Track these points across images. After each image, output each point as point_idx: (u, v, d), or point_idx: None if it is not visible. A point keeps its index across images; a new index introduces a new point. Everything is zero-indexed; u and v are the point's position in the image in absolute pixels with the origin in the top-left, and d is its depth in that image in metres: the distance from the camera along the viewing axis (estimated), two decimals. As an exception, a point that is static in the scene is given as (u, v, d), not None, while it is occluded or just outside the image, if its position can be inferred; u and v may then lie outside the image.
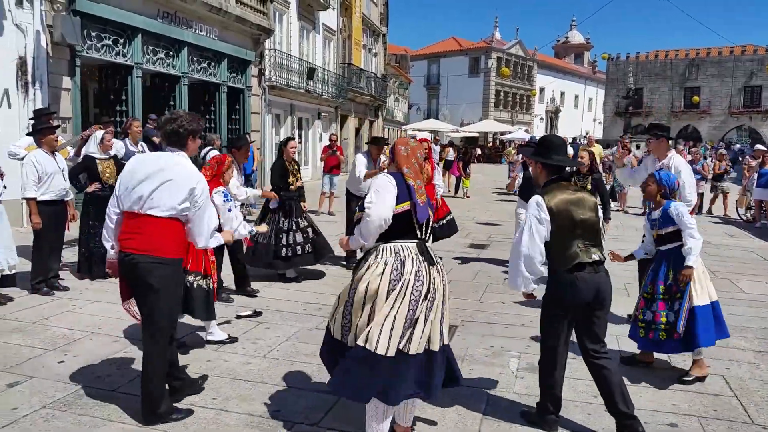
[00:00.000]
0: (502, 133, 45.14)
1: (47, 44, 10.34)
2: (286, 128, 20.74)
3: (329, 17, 23.54)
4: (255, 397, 3.94)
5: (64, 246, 6.84)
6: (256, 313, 5.76)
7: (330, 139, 14.92)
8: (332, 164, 13.89)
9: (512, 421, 3.68)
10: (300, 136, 22.14)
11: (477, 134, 46.87)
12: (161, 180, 3.40)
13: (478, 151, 39.46)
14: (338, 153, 14.29)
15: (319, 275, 7.51)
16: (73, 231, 7.42)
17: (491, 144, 47.52)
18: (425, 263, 3.12)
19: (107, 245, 3.64)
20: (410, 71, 46.95)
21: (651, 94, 51.76)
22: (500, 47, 53.68)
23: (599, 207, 3.62)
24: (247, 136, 6.78)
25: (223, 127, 16.07)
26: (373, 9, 29.52)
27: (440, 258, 3.33)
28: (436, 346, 3.13)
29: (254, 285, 6.55)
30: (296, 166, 7.25)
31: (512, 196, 8.28)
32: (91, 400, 3.81)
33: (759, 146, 15.99)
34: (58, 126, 7.31)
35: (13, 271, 5.85)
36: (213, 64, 15.58)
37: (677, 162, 5.46)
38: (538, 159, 3.62)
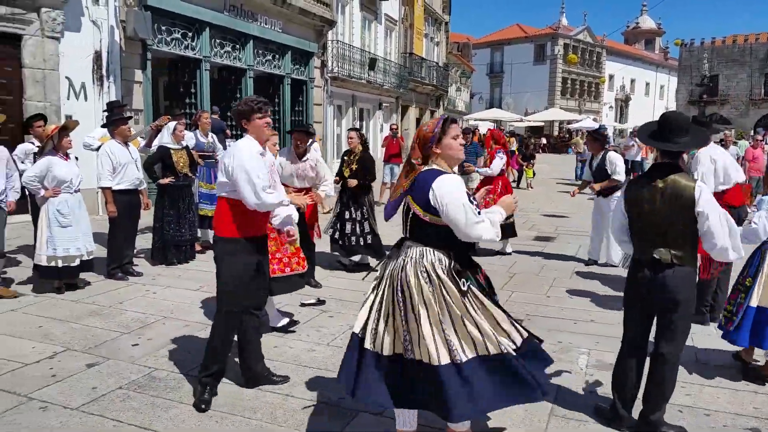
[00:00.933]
0: (569, 122, 43.93)
1: (120, 39, 10.75)
2: (347, 119, 20.87)
3: (391, 7, 23.47)
4: (320, 383, 3.98)
5: (137, 233, 7.10)
6: (320, 302, 5.82)
7: (390, 129, 14.90)
8: (392, 152, 13.85)
9: (581, 419, 3.57)
10: (361, 128, 22.22)
11: (542, 123, 45.78)
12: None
13: (543, 140, 38.50)
14: (400, 139, 14.27)
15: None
16: (147, 219, 7.69)
17: (557, 134, 46.34)
18: (388, 259, 3.01)
19: None
20: (473, 60, 46.19)
21: (727, 81, 48.99)
22: (567, 33, 52.13)
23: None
24: (310, 126, 6.87)
25: (286, 118, 16.32)
26: (436, -3, 29.26)
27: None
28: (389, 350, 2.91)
29: (317, 274, 6.61)
30: (354, 156, 7.04)
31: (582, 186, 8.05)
32: (163, 382, 3.94)
33: None
34: (130, 117, 7.59)
35: (91, 257, 6.12)
36: (277, 56, 15.82)
37: (704, 153, 5.43)
38: (650, 143, 3.46)
